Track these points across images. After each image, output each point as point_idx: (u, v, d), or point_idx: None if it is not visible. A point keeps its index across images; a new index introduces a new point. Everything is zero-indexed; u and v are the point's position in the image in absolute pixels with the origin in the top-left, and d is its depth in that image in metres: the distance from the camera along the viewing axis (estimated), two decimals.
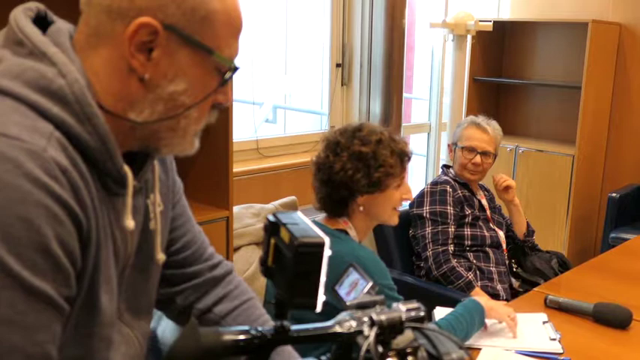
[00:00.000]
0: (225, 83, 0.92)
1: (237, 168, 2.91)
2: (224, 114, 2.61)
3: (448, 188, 2.54)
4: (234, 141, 2.66)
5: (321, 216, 1.77)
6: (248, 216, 3.02)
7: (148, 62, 0.86)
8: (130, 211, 0.93)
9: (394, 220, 1.77)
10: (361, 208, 1.69)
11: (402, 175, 1.72)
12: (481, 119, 2.62)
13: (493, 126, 2.60)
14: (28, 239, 0.75)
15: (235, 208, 2.82)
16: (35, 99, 0.80)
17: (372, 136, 1.66)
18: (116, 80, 0.87)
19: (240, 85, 3.31)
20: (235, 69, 0.91)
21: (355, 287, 0.86)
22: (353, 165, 1.63)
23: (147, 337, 1.07)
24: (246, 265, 2.88)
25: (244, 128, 3.51)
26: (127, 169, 0.90)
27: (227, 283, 1.19)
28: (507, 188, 2.63)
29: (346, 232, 1.69)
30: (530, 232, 2.72)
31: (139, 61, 0.86)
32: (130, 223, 0.93)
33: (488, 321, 1.83)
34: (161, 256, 1.03)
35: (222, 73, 0.91)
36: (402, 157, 1.70)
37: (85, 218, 0.82)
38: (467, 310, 1.69)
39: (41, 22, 0.89)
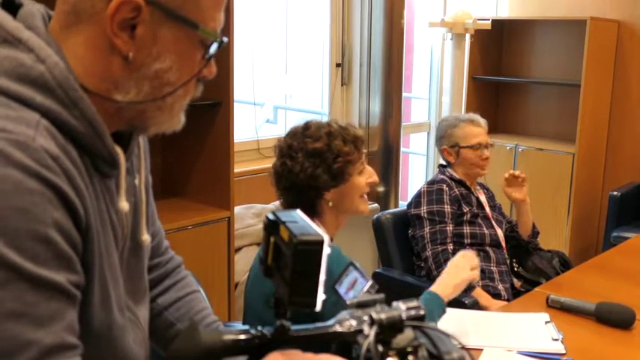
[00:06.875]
0: (211, 57, 0.89)
1: (238, 168, 2.90)
2: (225, 115, 2.61)
3: (444, 187, 2.53)
4: (235, 141, 2.67)
5: None
6: (249, 216, 3.02)
7: (132, 40, 0.82)
8: (124, 192, 0.91)
9: (364, 208, 1.75)
10: (330, 204, 1.68)
11: (361, 160, 1.71)
12: (470, 115, 2.65)
13: (480, 118, 2.65)
14: (26, 229, 0.73)
15: (236, 209, 2.82)
16: (17, 89, 0.78)
17: (321, 130, 1.67)
18: (99, 60, 0.84)
19: (241, 85, 3.31)
20: (221, 42, 0.88)
21: (354, 286, 0.86)
22: (310, 163, 1.64)
23: (147, 323, 1.05)
24: (247, 266, 2.87)
25: (245, 129, 3.51)
26: (118, 149, 0.88)
27: (175, 275, 1.18)
28: (523, 182, 2.63)
29: None
30: (535, 233, 2.71)
31: (122, 39, 0.82)
32: (124, 204, 0.91)
33: (489, 320, 1.83)
34: (145, 237, 1.01)
35: (207, 46, 0.88)
36: (356, 142, 1.70)
37: (82, 205, 0.80)
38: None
39: (9, 6, 0.85)
